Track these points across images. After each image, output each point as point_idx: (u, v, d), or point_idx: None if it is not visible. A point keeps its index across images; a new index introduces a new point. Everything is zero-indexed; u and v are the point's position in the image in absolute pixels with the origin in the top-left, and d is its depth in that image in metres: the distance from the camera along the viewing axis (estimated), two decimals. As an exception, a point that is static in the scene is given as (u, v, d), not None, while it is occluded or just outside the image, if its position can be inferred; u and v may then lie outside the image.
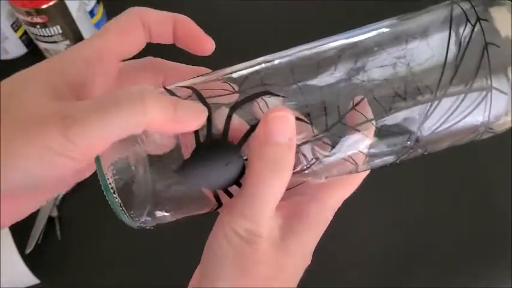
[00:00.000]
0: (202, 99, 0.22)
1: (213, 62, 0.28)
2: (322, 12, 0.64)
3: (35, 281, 0.49)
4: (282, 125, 0.22)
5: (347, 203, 0.29)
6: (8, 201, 0.22)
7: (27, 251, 0.51)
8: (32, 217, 0.53)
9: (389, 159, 0.26)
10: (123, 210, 0.22)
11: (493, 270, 0.48)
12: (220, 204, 0.23)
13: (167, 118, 0.21)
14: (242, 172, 0.22)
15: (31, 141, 0.19)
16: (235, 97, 0.23)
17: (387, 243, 0.50)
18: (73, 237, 0.53)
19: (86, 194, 0.55)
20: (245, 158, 0.22)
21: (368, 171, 0.27)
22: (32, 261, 0.49)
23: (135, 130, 0.20)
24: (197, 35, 0.26)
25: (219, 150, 0.22)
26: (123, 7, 0.26)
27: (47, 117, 0.20)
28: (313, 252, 0.27)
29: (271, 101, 0.23)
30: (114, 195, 0.21)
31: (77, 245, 0.53)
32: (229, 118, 0.22)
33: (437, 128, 0.24)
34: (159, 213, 0.23)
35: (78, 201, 0.55)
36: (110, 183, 0.21)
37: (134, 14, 0.25)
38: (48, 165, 0.20)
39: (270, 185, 0.22)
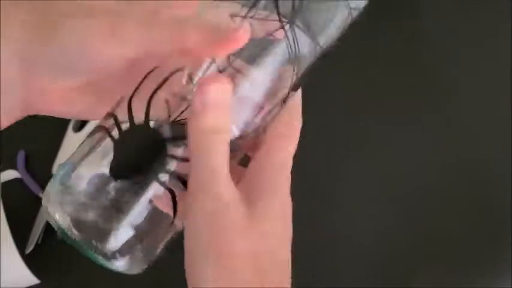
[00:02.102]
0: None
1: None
2: None
3: (35, 281, 0.49)
4: (218, 92, 0.23)
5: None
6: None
7: (27, 251, 0.51)
8: (32, 217, 0.53)
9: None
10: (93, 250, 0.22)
11: (493, 270, 0.48)
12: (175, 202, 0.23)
13: None
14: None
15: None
16: None
17: (386, 244, 0.50)
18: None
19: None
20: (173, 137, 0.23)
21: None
22: (32, 261, 0.49)
23: (175, 44, 0.23)
24: None
25: (141, 138, 0.23)
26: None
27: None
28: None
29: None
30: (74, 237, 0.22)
31: (77, 245, 0.53)
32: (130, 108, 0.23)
33: None
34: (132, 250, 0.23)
35: (78, 201, 0.55)
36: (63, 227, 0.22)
37: None
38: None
39: (213, 147, 0.23)
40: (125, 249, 0.23)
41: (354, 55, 0.60)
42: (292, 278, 0.26)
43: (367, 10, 0.30)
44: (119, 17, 0.23)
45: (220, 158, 0.23)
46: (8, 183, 0.54)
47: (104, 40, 0.23)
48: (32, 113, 0.26)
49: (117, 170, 0.22)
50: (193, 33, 0.23)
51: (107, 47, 0.23)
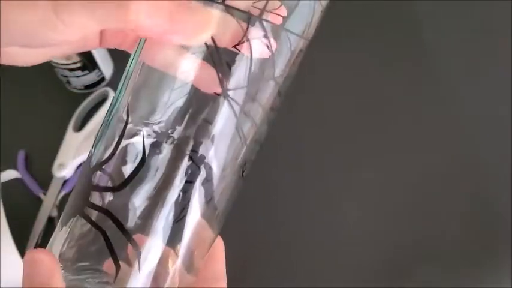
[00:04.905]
0: None
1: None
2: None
3: (35, 281, 0.49)
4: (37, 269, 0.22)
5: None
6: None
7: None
8: (32, 217, 0.53)
9: None
10: None
11: (493, 270, 0.48)
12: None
13: (156, 23, 0.21)
14: None
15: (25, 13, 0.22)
16: None
17: (385, 244, 0.50)
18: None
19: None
20: None
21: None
22: (32, 261, 0.49)
23: (119, 24, 0.21)
24: None
25: None
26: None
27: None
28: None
29: None
30: None
31: (77, 245, 0.53)
32: None
33: None
34: None
35: (78, 201, 0.55)
36: None
37: None
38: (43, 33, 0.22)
39: None
40: None
41: (352, 54, 0.60)
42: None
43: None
44: (60, 5, 0.22)
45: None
46: (8, 183, 0.54)
47: (48, 27, 0.22)
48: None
49: None
50: (137, 15, 0.21)
51: (52, 32, 0.22)
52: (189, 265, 0.24)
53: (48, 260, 0.22)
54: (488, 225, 0.50)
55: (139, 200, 0.22)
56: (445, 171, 0.53)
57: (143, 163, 0.22)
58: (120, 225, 0.22)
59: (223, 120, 0.22)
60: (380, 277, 0.48)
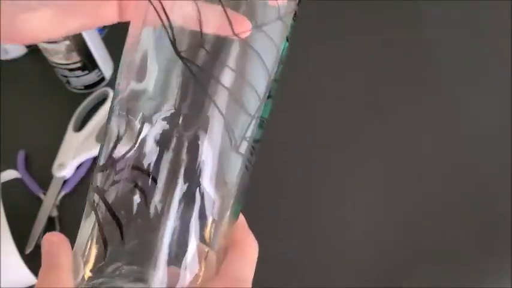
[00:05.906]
0: None
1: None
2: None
3: (35, 281, 0.49)
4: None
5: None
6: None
7: (27, 251, 0.51)
8: (32, 217, 0.53)
9: None
10: None
11: (493, 270, 0.48)
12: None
13: None
14: None
15: None
16: None
17: (386, 244, 0.50)
18: (73, 237, 0.53)
19: (85, 194, 0.55)
20: None
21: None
22: (32, 261, 0.49)
23: None
24: None
25: None
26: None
27: None
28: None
29: None
30: None
31: (77, 245, 0.53)
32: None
33: None
34: None
35: (78, 201, 0.54)
36: None
37: None
38: None
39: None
40: None
41: (353, 53, 0.60)
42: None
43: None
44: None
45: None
46: (8, 183, 0.54)
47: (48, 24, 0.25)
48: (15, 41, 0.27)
49: None
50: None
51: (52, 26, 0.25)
52: (213, 244, 0.24)
53: (58, 240, 0.26)
54: (488, 225, 0.50)
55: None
56: (445, 171, 0.53)
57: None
58: (108, 206, 0.23)
59: (215, 97, 0.23)
60: (380, 277, 0.48)
